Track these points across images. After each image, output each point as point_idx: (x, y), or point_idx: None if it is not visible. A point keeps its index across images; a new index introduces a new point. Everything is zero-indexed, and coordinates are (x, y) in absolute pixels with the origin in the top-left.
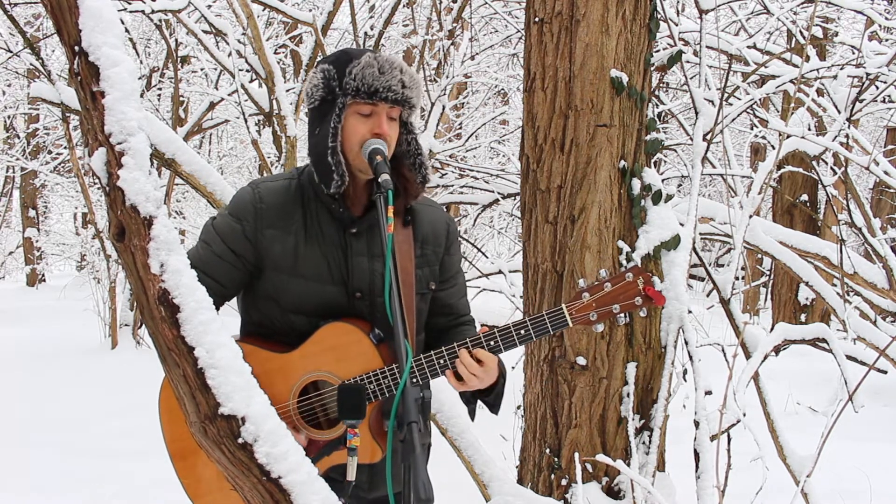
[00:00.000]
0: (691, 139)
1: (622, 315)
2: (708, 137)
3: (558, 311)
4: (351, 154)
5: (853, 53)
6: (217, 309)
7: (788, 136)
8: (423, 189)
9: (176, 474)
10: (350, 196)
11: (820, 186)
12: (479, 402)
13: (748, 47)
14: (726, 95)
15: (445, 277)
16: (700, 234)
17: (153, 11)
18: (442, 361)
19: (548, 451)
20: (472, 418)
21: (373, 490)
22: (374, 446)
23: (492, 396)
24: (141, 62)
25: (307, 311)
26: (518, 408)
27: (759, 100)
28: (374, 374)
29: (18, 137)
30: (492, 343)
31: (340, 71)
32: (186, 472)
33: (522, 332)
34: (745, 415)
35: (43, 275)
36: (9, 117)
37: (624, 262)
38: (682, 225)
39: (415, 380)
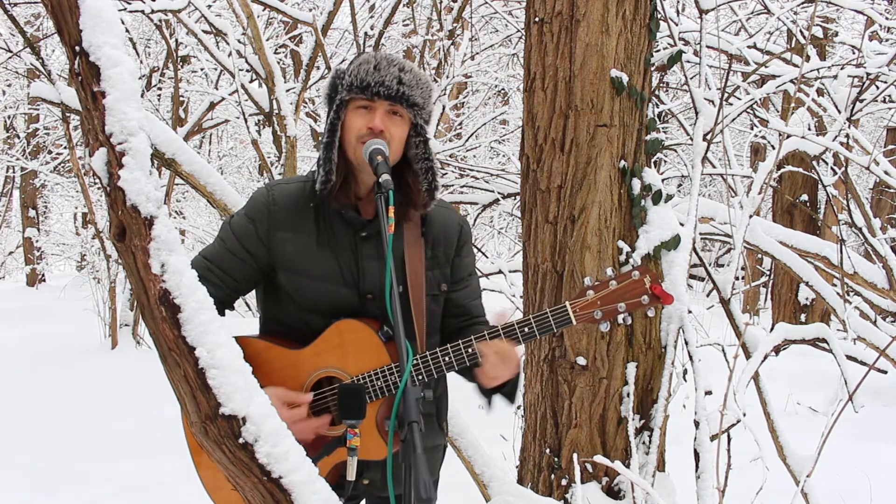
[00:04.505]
0: (691, 139)
1: (628, 314)
2: (708, 137)
3: (562, 309)
4: (350, 148)
5: (853, 53)
6: (231, 304)
7: (788, 136)
8: (429, 198)
9: (194, 467)
10: (358, 199)
11: (820, 186)
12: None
13: (748, 47)
14: (726, 95)
15: (457, 279)
16: (700, 234)
17: (153, 11)
18: (447, 359)
19: (548, 451)
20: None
21: (386, 488)
22: (381, 443)
23: (507, 387)
24: (141, 62)
25: (321, 310)
26: (518, 408)
27: (759, 100)
28: (381, 370)
29: (18, 137)
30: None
31: (346, 69)
32: (204, 465)
33: (526, 329)
34: (745, 415)
35: (43, 275)
36: (9, 117)
37: (632, 262)
38: (682, 225)
39: (420, 377)
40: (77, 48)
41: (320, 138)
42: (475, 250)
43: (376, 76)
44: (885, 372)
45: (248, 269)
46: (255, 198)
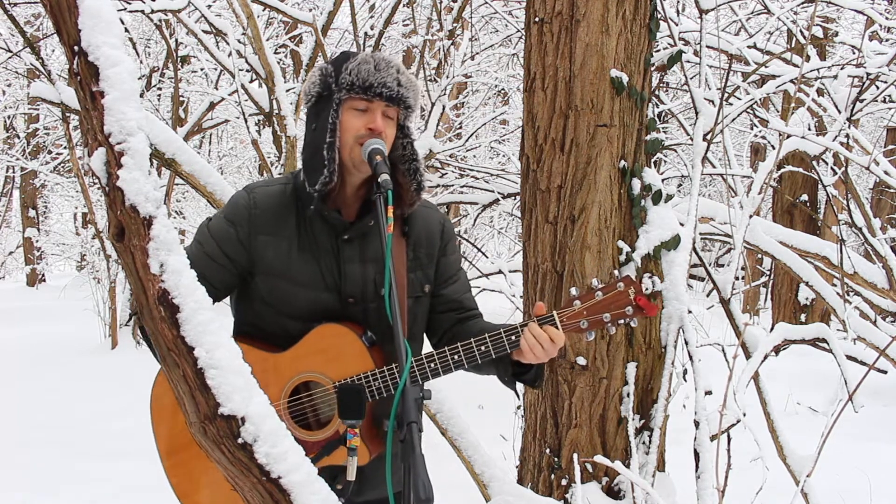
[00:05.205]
0: (691, 139)
1: (612, 325)
2: (708, 137)
3: (549, 318)
4: (345, 149)
5: (853, 53)
6: None
7: (788, 136)
8: (418, 197)
9: (164, 472)
10: (342, 201)
11: (820, 186)
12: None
13: (748, 47)
14: (726, 95)
15: (447, 276)
16: (700, 234)
17: (153, 11)
18: (457, 356)
19: (548, 451)
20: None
21: (361, 493)
22: (363, 448)
23: (531, 373)
24: (141, 62)
25: (301, 315)
26: (518, 408)
27: (759, 100)
28: (364, 376)
29: (18, 137)
30: (482, 348)
31: (338, 68)
32: (175, 469)
33: (513, 337)
34: (745, 415)
35: (43, 275)
36: (9, 117)
37: (628, 263)
38: (682, 225)
39: (414, 379)
40: (76, 48)
41: (312, 139)
42: (475, 250)
43: (378, 77)
44: (885, 372)
45: (226, 274)
46: (236, 201)
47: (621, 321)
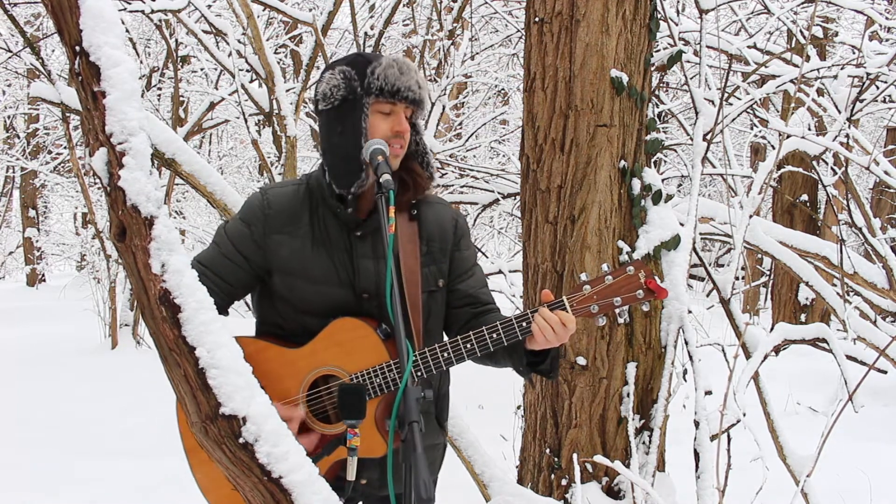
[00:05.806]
0: (691, 139)
1: (624, 308)
2: (708, 137)
3: (559, 303)
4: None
5: (853, 53)
6: (226, 307)
7: (788, 136)
8: (430, 184)
9: (189, 469)
10: (356, 199)
11: (820, 186)
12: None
13: (748, 47)
14: (726, 95)
15: (462, 271)
16: (700, 234)
17: (153, 11)
18: (468, 345)
19: (548, 451)
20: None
21: (384, 487)
22: (380, 441)
23: (546, 363)
24: (141, 62)
25: (318, 312)
26: (518, 408)
27: (759, 100)
28: (380, 367)
29: (18, 137)
30: (494, 336)
31: (361, 72)
32: (200, 467)
33: (524, 324)
34: (745, 415)
35: (43, 275)
36: (9, 117)
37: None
38: (682, 225)
39: (420, 374)
40: (77, 48)
41: (341, 142)
42: (476, 251)
43: (403, 81)
44: (885, 372)
45: (243, 273)
46: (250, 202)
47: (632, 305)
